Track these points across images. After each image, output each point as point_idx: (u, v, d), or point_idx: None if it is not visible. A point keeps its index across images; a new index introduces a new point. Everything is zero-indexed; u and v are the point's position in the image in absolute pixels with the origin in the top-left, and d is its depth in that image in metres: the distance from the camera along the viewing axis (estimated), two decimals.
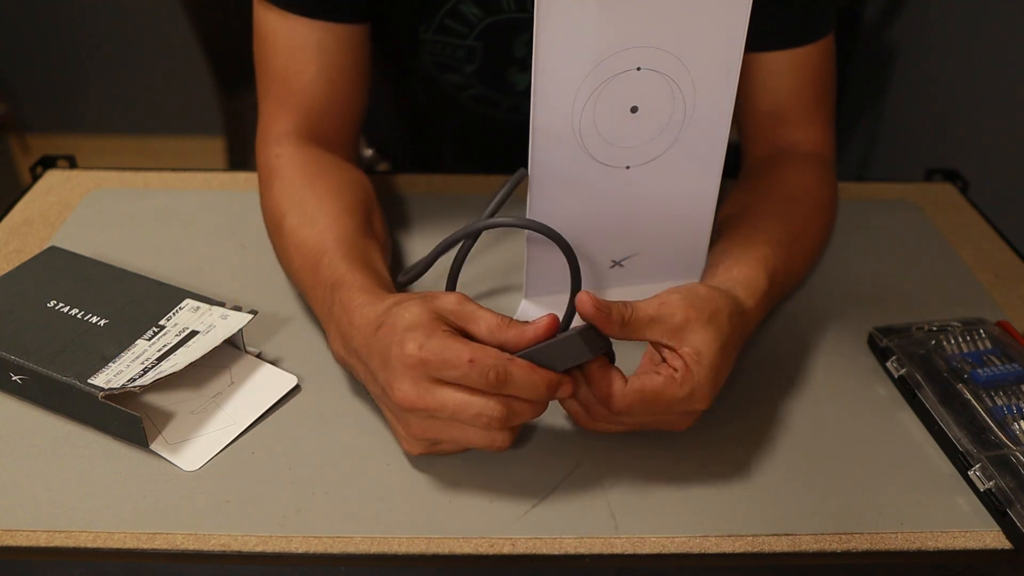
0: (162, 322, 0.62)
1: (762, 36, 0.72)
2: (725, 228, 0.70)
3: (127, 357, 0.58)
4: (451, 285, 0.62)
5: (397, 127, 0.99)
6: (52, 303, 0.62)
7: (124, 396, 0.56)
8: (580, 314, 0.51)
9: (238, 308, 0.63)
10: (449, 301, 0.53)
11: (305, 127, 0.72)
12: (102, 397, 0.54)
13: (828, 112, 0.78)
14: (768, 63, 0.75)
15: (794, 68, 0.75)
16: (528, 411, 0.51)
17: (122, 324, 0.61)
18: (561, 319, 0.65)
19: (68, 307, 0.62)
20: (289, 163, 0.70)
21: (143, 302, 0.63)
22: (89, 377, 0.56)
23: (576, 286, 0.61)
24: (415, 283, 0.68)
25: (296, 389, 0.61)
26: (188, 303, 0.63)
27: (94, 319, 0.61)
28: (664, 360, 0.54)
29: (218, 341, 0.59)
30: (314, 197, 0.66)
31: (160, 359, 0.58)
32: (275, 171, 0.70)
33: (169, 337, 0.60)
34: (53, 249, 0.69)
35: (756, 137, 0.79)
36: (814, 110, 0.77)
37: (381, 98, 0.97)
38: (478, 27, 0.76)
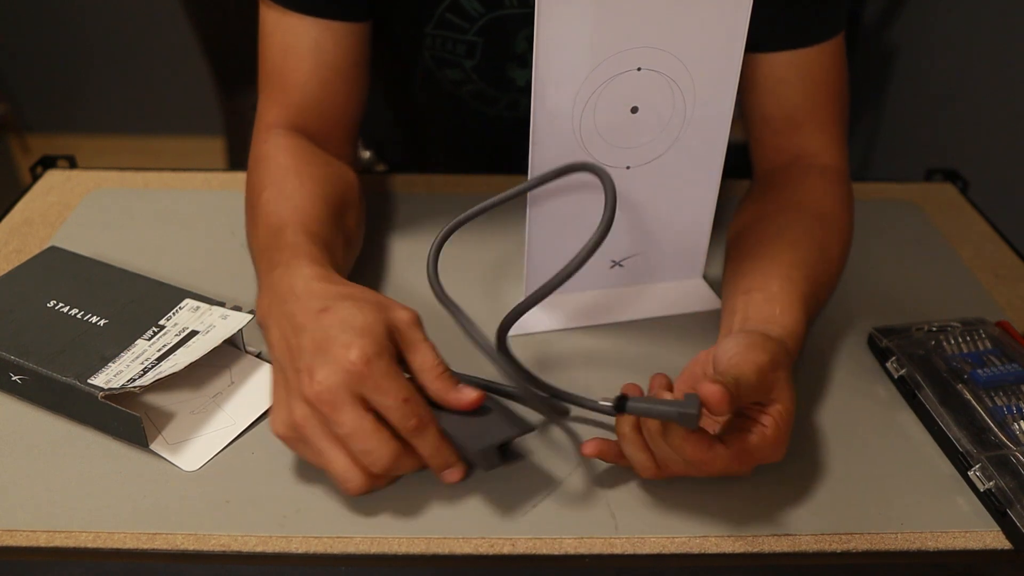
0: (162, 322, 0.62)
1: (767, 36, 0.72)
2: (751, 240, 0.68)
3: (127, 357, 0.58)
4: (434, 254, 0.58)
5: (394, 127, 0.99)
6: (52, 303, 0.62)
7: (124, 396, 0.56)
8: (709, 406, 0.48)
9: (238, 308, 0.63)
10: (403, 319, 0.52)
11: (298, 122, 0.72)
12: (102, 397, 0.54)
13: (840, 119, 0.76)
14: (775, 66, 0.73)
15: (802, 70, 0.73)
16: (404, 469, 0.51)
17: (122, 324, 0.61)
18: (563, 321, 0.65)
19: (68, 307, 0.62)
20: (277, 148, 0.70)
21: (143, 302, 0.63)
22: (89, 377, 0.56)
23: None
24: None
25: None
26: (188, 303, 0.63)
27: (94, 319, 0.61)
28: (748, 416, 0.52)
29: (218, 341, 0.59)
30: (296, 179, 0.66)
31: (160, 359, 0.58)
32: (263, 155, 0.70)
33: (169, 337, 0.60)
34: (53, 249, 0.69)
35: (767, 142, 0.77)
36: (826, 116, 0.75)
37: (378, 97, 0.96)
38: (479, 22, 0.76)
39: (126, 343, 0.60)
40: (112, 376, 0.56)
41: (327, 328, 0.50)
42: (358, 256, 0.70)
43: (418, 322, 0.53)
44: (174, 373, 0.56)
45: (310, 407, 0.49)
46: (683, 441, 0.49)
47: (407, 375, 0.51)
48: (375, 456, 0.49)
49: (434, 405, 0.53)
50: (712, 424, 0.55)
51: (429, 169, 0.96)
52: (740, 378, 0.50)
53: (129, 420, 0.55)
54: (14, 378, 0.58)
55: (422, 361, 0.51)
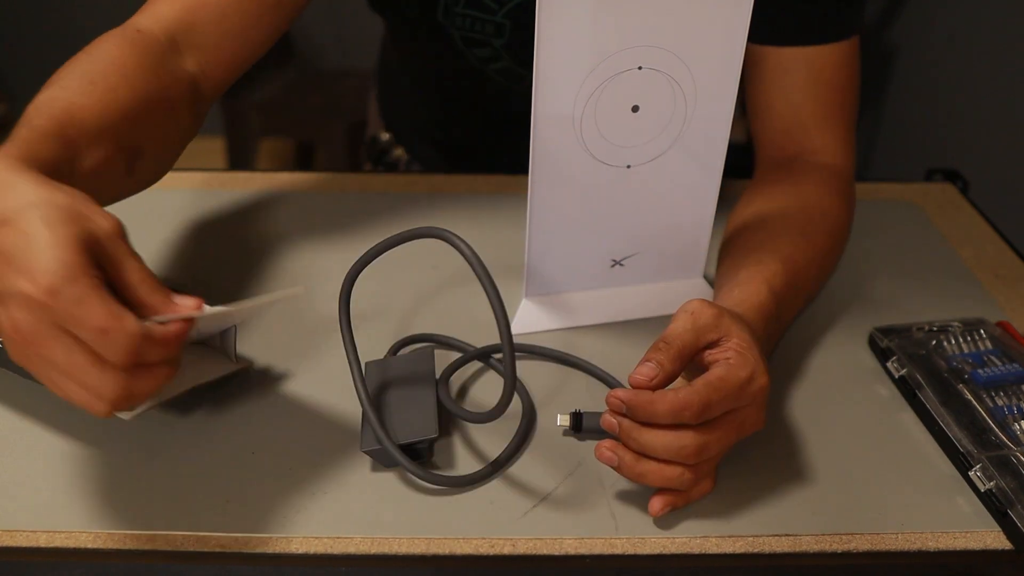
0: None
1: (779, 31, 0.71)
2: (736, 242, 0.69)
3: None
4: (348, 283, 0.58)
5: (419, 116, 0.99)
6: None
7: None
8: (643, 368, 0.50)
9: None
10: (103, 229, 0.44)
11: (178, 29, 0.63)
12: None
13: (848, 121, 0.76)
14: (785, 60, 0.73)
15: (811, 68, 0.73)
16: (148, 386, 0.44)
17: None
18: (563, 321, 0.65)
19: None
20: (123, 42, 0.60)
21: None
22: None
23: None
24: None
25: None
26: None
27: None
28: (711, 362, 0.52)
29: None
30: (111, 72, 0.57)
31: None
32: (104, 39, 0.60)
33: None
34: None
35: (772, 139, 0.77)
36: (832, 116, 0.75)
37: (403, 79, 0.96)
38: (507, 6, 0.75)
39: None
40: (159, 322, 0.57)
41: (7, 250, 0.42)
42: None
43: (122, 232, 0.46)
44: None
45: (15, 344, 0.43)
46: (652, 401, 0.48)
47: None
48: (103, 390, 0.43)
49: (377, 392, 0.56)
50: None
51: (449, 151, 0.95)
52: (669, 334, 0.51)
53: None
54: None
55: (129, 277, 0.45)
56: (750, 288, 0.61)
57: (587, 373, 0.64)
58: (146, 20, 0.63)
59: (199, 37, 0.65)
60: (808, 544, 0.52)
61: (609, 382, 0.63)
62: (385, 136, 1.03)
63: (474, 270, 0.51)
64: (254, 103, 2.10)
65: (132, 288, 0.45)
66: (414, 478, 0.54)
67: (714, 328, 0.52)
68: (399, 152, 1.03)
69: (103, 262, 0.44)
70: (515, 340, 0.59)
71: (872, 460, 0.58)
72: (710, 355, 0.52)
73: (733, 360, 0.51)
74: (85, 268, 0.42)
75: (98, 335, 0.41)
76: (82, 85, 0.55)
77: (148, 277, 0.45)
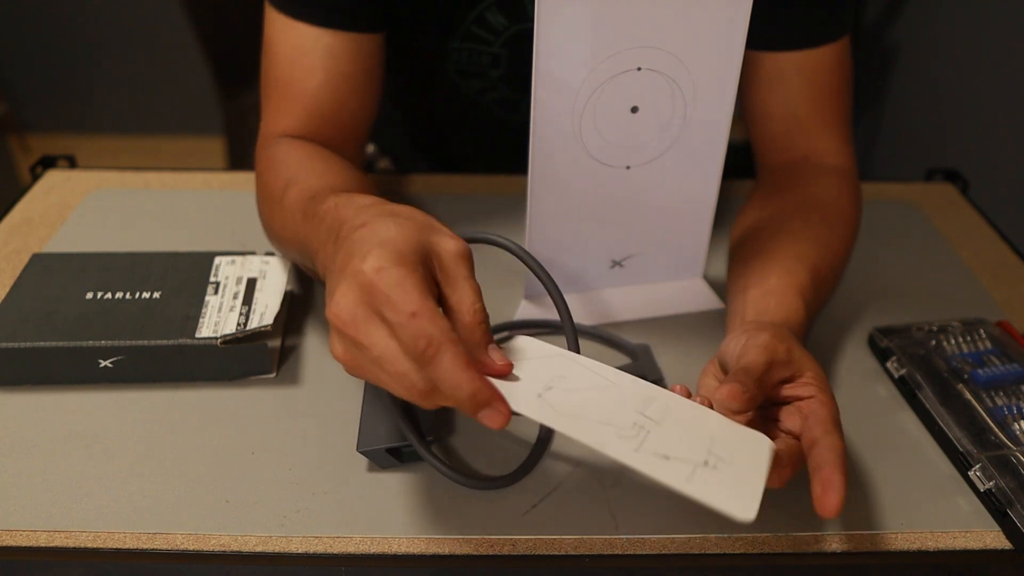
0: (213, 279, 0.64)
1: (772, 35, 0.72)
2: (753, 242, 0.68)
3: (211, 311, 0.61)
4: None
5: (408, 135, 0.99)
6: (90, 295, 0.62)
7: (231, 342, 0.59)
8: (731, 406, 0.48)
9: (271, 253, 0.67)
10: (447, 247, 0.46)
11: (308, 130, 0.70)
12: (221, 344, 0.58)
13: (845, 121, 0.76)
14: (780, 65, 0.73)
15: (807, 71, 0.73)
16: (449, 401, 0.44)
17: (178, 291, 0.63)
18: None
19: (111, 293, 0.62)
20: (291, 147, 0.67)
21: (179, 270, 0.65)
22: (194, 334, 0.59)
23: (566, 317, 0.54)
24: None
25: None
26: (220, 259, 0.66)
27: (147, 294, 0.62)
28: (788, 401, 0.52)
29: (284, 281, 0.63)
30: (321, 163, 0.64)
31: (245, 305, 0.62)
32: (276, 158, 0.67)
33: (232, 287, 0.63)
34: (37, 256, 0.68)
35: (772, 144, 0.77)
36: (832, 118, 0.75)
37: (395, 107, 0.96)
38: (504, 35, 0.76)
39: (198, 302, 0.62)
40: (212, 328, 0.59)
41: (355, 242, 0.45)
42: None
43: (466, 256, 0.46)
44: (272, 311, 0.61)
45: (341, 336, 0.44)
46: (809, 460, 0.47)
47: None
48: (410, 381, 0.42)
49: (375, 393, 0.56)
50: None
51: (442, 169, 0.95)
52: (749, 367, 0.50)
53: (258, 352, 0.59)
54: (103, 364, 0.58)
55: (458, 299, 0.45)
56: (789, 303, 0.60)
57: None
58: (296, 134, 0.70)
59: (332, 136, 0.71)
60: (808, 544, 0.52)
61: None
62: (370, 148, 1.03)
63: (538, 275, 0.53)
64: (254, 103, 2.10)
65: (453, 314, 0.46)
66: (414, 478, 0.54)
67: (786, 364, 0.52)
68: (384, 164, 1.03)
69: (440, 280, 0.46)
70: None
71: (872, 460, 0.58)
72: (789, 390, 0.52)
73: (821, 398, 0.50)
74: (415, 259, 0.44)
75: (405, 319, 0.41)
76: (343, 175, 0.63)
77: (476, 308, 0.46)
